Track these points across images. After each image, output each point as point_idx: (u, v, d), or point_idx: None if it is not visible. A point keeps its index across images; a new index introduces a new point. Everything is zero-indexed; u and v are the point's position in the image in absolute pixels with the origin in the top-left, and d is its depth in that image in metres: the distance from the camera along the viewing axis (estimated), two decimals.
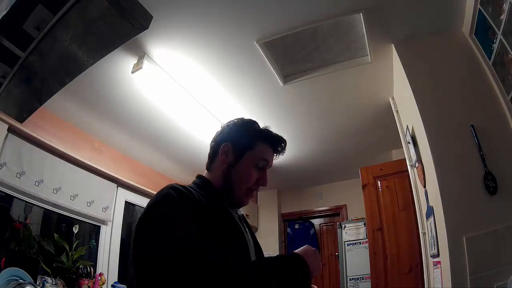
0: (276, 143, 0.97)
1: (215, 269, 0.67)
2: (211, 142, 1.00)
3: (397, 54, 2.12)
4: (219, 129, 1.01)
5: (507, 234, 1.44)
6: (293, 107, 2.83)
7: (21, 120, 2.31)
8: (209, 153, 0.99)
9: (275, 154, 0.98)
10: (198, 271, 0.65)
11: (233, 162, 0.92)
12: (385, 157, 3.55)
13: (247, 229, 0.94)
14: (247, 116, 1.01)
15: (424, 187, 1.98)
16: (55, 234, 2.55)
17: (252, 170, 0.92)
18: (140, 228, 0.75)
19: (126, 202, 3.35)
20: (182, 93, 2.52)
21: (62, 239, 2.54)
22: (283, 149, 0.99)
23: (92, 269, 2.67)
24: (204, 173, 0.98)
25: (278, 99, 2.69)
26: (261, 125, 1.01)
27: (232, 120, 1.01)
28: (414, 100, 1.90)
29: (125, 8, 1.55)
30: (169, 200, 0.75)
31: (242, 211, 1.02)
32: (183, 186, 0.80)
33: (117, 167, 3.25)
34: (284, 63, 2.37)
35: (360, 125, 3.13)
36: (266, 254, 0.88)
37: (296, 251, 0.78)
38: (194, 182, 0.94)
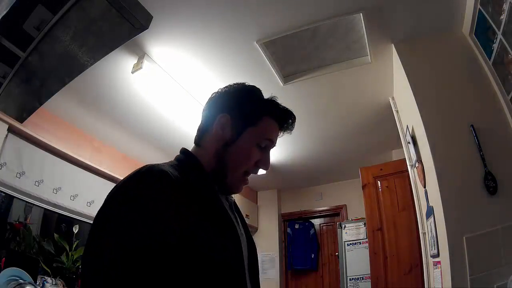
0: (284, 118, 0.80)
1: (214, 267, 0.58)
2: (204, 110, 0.81)
3: (397, 54, 2.12)
4: (214, 93, 0.82)
5: (507, 234, 1.44)
6: (293, 107, 2.79)
7: (21, 120, 2.31)
8: (199, 125, 0.81)
9: (281, 132, 0.81)
10: (190, 269, 0.56)
11: (230, 139, 0.75)
12: (385, 157, 3.55)
13: (239, 220, 0.79)
14: None
15: (424, 187, 1.98)
16: (55, 234, 2.56)
17: (253, 149, 0.75)
18: (104, 217, 0.57)
19: None
20: (182, 93, 2.52)
21: (62, 239, 2.55)
22: (291, 126, 0.82)
23: None
24: (192, 147, 0.80)
25: (278, 99, 2.68)
26: (266, 96, 0.83)
27: (232, 85, 0.81)
28: (414, 100, 1.90)
29: (125, 8, 1.55)
30: (142, 180, 0.59)
31: (234, 198, 0.86)
32: (159, 167, 0.62)
33: (117, 167, 3.25)
34: (284, 63, 2.37)
35: (360, 125, 3.13)
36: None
37: None
38: (177, 158, 0.76)
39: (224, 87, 0.81)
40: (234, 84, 0.82)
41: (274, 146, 0.80)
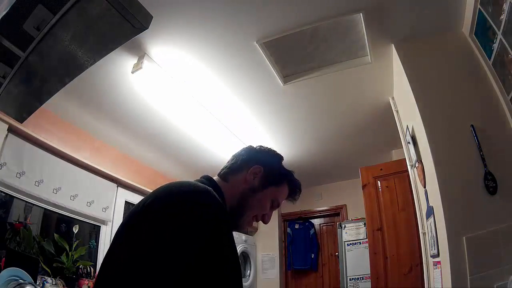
0: (296, 191, 0.99)
1: None
2: (241, 153, 0.96)
3: (397, 54, 2.12)
4: (250, 146, 1.01)
5: (507, 234, 1.44)
6: (293, 107, 2.83)
7: (21, 120, 2.30)
8: (232, 163, 0.95)
9: (286, 199, 0.99)
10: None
11: (257, 188, 0.90)
12: (385, 157, 3.55)
13: None
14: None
15: (424, 187, 1.98)
16: (55, 234, 2.56)
17: (268, 204, 0.92)
18: (169, 223, 0.62)
19: (126, 202, 3.35)
20: (182, 93, 2.52)
21: (62, 239, 2.55)
22: (296, 197, 1.00)
23: (92, 269, 2.68)
24: (216, 179, 0.91)
25: (278, 99, 2.69)
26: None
27: (262, 146, 1.01)
28: (414, 100, 1.90)
29: (125, 8, 1.54)
30: (216, 207, 0.69)
31: None
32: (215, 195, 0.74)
33: (117, 167, 3.24)
34: (284, 63, 2.37)
35: (360, 125, 3.13)
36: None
37: None
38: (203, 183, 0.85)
39: (259, 146, 1.00)
40: (264, 146, 1.00)
41: (276, 208, 0.96)
